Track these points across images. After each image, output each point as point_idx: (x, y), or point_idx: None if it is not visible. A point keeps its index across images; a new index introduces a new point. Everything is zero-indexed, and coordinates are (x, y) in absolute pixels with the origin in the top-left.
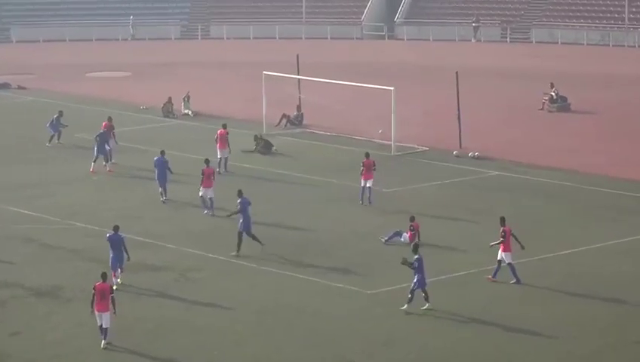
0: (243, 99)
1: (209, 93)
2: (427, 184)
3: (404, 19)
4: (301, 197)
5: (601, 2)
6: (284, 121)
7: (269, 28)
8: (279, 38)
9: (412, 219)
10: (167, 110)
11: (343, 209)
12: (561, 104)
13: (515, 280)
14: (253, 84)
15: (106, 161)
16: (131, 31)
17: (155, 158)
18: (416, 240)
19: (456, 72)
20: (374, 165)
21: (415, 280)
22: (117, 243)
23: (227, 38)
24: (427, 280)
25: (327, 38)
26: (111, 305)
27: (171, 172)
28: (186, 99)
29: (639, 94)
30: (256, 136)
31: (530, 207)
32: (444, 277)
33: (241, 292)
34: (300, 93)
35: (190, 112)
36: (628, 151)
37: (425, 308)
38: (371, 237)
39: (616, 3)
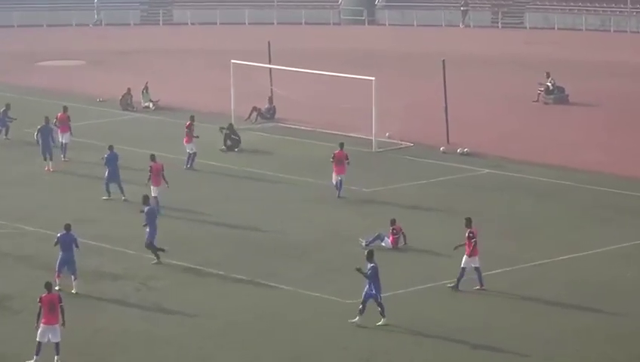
0: (209, 91)
1: (172, 84)
2: (411, 183)
3: (386, 2)
4: (274, 197)
5: None
6: (254, 114)
7: (238, 12)
8: (249, 24)
9: (393, 222)
10: (126, 102)
11: (319, 210)
12: (557, 95)
13: (480, 286)
14: (220, 73)
15: (48, 160)
16: (96, 16)
17: (106, 155)
18: (402, 243)
19: (443, 61)
20: (347, 158)
21: (365, 290)
22: (68, 243)
23: (191, 24)
24: (381, 293)
25: (301, 24)
26: (60, 316)
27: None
28: (145, 90)
29: None
30: (222, 128)
31: (524, 208)
32: (431, 284)
33: (207, 303)
34: (271, 84)
35: (151, 105)
36: (630, 146)
37: (380, 323)
38: (350, 240)
39: None
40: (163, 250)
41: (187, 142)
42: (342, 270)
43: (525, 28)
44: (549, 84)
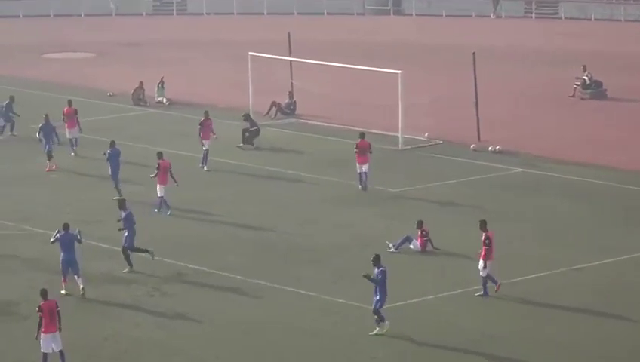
0: (226, 85)
1: (186, 78)
2: (440, 183)
3: None
4: (294, 197)
5: None
6: (273, 109)
7: (256, 2)
8: (267, 14)
9: (420, 224)
10: (138, 97)
11: (342, 211)
12: (595, 90)
13: (482, 293)
14: (237, 66)
15: (48, 159)
16: (112, 5)
17: (109, 151)
18: (430, 246)
19: (473, 53)
20: (370, 147)
21: (377, 298)
22: (68, 243)
23: (207, 14)
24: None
25: (322, 14)
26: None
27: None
28: (160, 85)
29: None
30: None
31: (559, 209)
32: (461, 290)
33: (223, 309)
34: (291, 77)
35: (164, 100)
36: None
37: (374, 333)
38: (375, 243)
39: None
40: (147, 251)
41: (203, 138)
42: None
43: (560, 18)
44: (586, 78)
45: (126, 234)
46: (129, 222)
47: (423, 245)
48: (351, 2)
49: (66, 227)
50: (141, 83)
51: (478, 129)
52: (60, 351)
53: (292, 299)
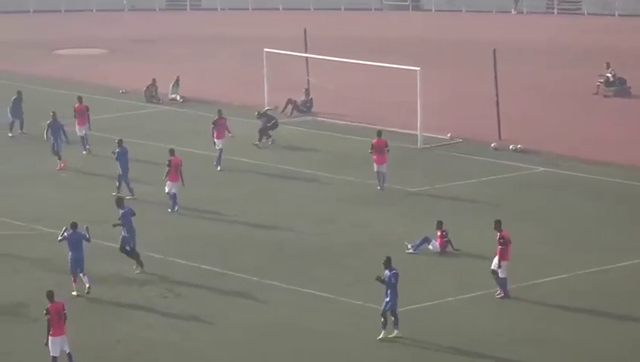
0: (241, 82)
1: (200, 75)
2: (460, 182)
3: None
4: (310, 196)
5: None
6: (289, 107)
7: None
8: (283, 9)
9: (440, 224)
10: (151, 94)
11: (360, 211)
12: (619, 87)
13: (501, 293)
14: (252, 63)
15: (59, 158)
16: (125, 0)
17: (117, 150)
18: (450, 247)
19: (494, 50)
20: (387, 146)
21: (387, 300)
22: (76, 242)
23: (221, 9)
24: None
25: (340, 9)
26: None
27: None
28: (176, 83)
29: None
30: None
31: (582, 209)
32: (479, 293)
33: (237, 311)
34: (308, 74)
35: (178, 97)
36: None
37: (394, 335)
38: (393, 244)
39: None
40: (138, 262)
41: (217, 137)
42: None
43: (583, 14)
44: (610, 75)
45: (123, 233)
46: (127, 220)
47: (443, 246)
48: None
49: (73, 225)
50: (154, 80)
51: (499, 127)
52: (68, 354)
53: (308, 301)
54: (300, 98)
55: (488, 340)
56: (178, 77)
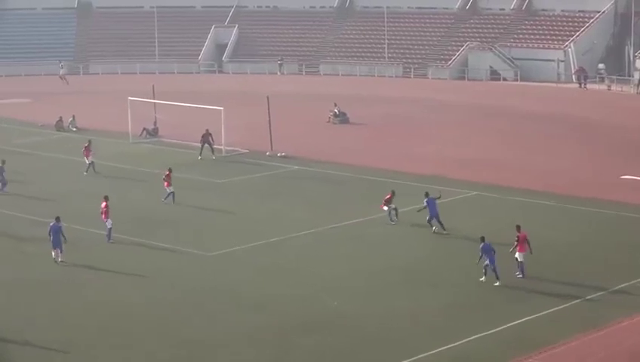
0: (113, 118)
1: (87, 114)
2: (249, 176)
3: (229, 58)
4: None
5: (368, 45)
6: (144, 132)
7: (132, 65)
8: (140, 73)
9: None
10: (59, 126)
11: (193, 195)
12: (342, 118)
13: (521, 275)
14: (120, 106)
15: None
16: (61, 72)
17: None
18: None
19: (267, 96)
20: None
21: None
22: (56, 230)
23: (101, 73)
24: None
25: (174, 73)
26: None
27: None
28: (72, 118)
29: (397, 109)
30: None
31: (321, 190)
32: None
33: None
34: (155, 112)
35: (74, 128)
36: (394, 148)
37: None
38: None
39: (379, 46)
40: None
41: (167, 185)
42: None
43: (320, 74)
44: (336, 110)
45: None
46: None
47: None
48: (191, 65)
49: (57, 219)
50: (60, 117)
51: (271, 142)
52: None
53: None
54: (150, 127)
55: None
56: (74, 115)
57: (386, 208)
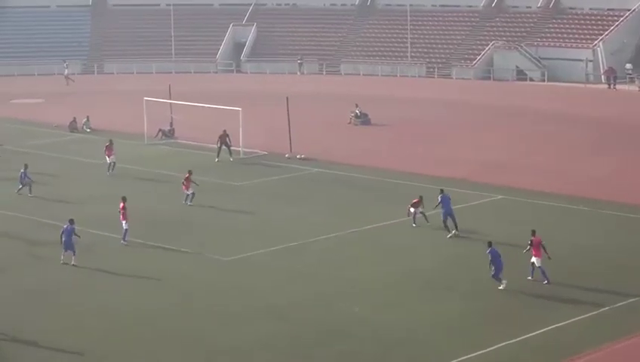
0: (128, 119)
1: (102, 115)
2: (267, 178)
3: (248, 58)
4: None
5: (390, 44)
6: (160, 134)
7: (148, 65)
8: (156, 73)
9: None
10: (72, 127)
11: (207, 197)
12: (363, 119)
13: (546, 281)
14: (135, 107)
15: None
16: (65, 72)
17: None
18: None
19: (287, 97)
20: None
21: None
22: (69, 233)
23: (116, 73)
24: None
25: (191, 73)
26: None
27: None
28: (87, 120)
29: (420, 110)
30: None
31: (340, 193)
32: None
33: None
34: (171, 113)
35: (88, 129)
36: (416, 150)
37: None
38: (229, 218)
39: (402, 45)
40: None
41: (186, 188)
42: None
43: (341, 74)
44: (358, 111)
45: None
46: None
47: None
48: (208, 65)
49: (71, 221)
50: (74, 118)
51: (290, 144)
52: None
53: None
54: (166, 128)
55: None
56: (88, 116)
57: (412, 210)
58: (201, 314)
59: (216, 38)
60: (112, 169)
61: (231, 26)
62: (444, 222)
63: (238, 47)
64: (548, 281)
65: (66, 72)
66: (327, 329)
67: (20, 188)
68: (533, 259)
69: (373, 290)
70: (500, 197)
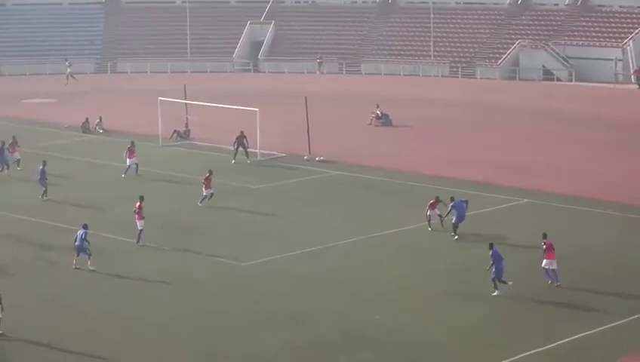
0: (143, 119)
1: (116, 115)
2: (286, 181)
3: (265, 57)
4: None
5: (412, 43)
6: (175, 135)
7: (162, 64)
8: (170, 72)
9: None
10: (85, 128)
11: (220, 200)
12: (384, 120)
13: (557, 283)
14: (150, 107)
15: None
16: (67, 70)
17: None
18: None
19: (305, 97)
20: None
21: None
22: (81, 236)
23: (130, 72)
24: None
25: (207, 72)
26: None
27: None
28: (99, 120)
29: (442, 111)
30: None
31: (360, 196)
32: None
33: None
34: (187, 113)
35: (101, 130)
36: (439, 152)
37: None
38: (246, 222)
39: (424, 44)
40: None
41: (206, 187)
42: None
43: (362, 74)
44: (379, 112)
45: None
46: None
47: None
48: (225, 64)
49: (84, 226)
50: (87, 118)
51: (309, 146)
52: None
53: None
54: (181, 129)
55: None
56: (101, 116)
57: (429, 213)
58: (218, 320)
59: (233, 37)
60: (135, 171)
61: (248, 23)
62: (455, 225)
63: (256, 45)
64: (559, 284)
65: (68, 70)
66: (348, 335)
67: (44, 192)
68: (545, 262)
69: (392, 297)
70: (525, 200)
